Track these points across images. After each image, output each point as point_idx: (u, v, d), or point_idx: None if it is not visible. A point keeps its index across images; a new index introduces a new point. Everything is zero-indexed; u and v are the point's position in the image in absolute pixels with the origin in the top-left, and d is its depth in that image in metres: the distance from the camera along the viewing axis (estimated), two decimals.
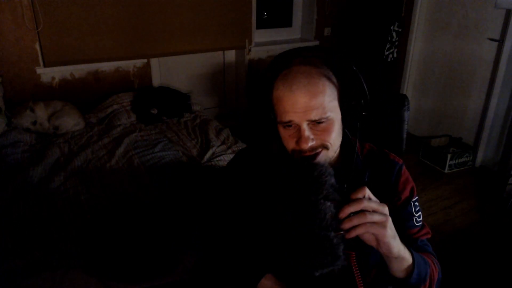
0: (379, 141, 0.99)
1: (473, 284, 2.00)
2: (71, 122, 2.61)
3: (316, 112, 0.79)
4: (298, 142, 0.81)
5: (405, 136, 1.25)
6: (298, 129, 0.81)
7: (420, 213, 0.95)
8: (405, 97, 1.25)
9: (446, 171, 3.08)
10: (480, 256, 2.19)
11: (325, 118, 0.80)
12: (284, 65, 0.84)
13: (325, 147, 0.83)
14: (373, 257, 0.87)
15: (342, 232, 0.69)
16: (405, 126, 1.24)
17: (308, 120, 0.80)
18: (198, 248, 1.47)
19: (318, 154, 0.82)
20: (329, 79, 0.82)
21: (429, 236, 0.96)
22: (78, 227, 1.63)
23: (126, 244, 1.53)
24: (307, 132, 0.80)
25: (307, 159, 0.82)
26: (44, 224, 1.64)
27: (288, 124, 0.82)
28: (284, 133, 0.84)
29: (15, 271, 1.37)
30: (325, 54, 0.85)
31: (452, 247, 2.25)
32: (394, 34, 3.52)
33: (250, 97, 3.67)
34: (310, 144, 0.81)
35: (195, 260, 1.43)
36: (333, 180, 0.73)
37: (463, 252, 2.22)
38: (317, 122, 0.80)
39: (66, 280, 1.32)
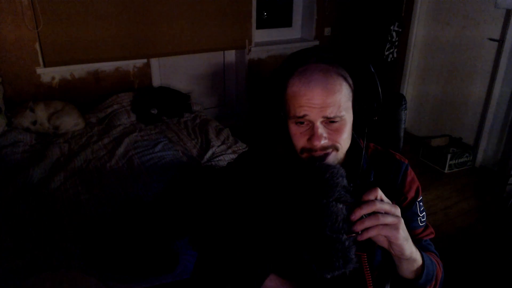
0: (376, 141, 0.99)
1: (473, 284, 2.00)
2: (71, 122, 2.61)
3: (332, 110, 0.78)
4: (310, 139, 0.80)
5: (402, 135, 1.25)
6: (311, 126, 0.80)
7: (424, 213, 0.95)
8: (402, 96, 1.25)
9: (446, 171, 3.08)
10: (480, 256, 2.19)
11: (339, 117, 0.79)
12: (300, 63, 0.83)
13: (336, 148, 0.82)
14: (376, 259, 0.88)
15: (354, 234, 0.68)
16: (403, 126, 1.25)
17: (323, 117, 0.79)
18: (198, 249, 1.47)
19: (328, 154, 0.81)
20: (345, 79, 0.81)
21: (432, 236, 0.96)
22: (78, 227, 1.63)
23: (126, 244, 1.53)
24: (320, 129, 0.79)
25: (317, 160, 0.81)
26: (44, 224, 1.64)
27: (301, 121, 0.81)
28: (296, 130, 0.83)
29: (15, 271, 1.37)
30: (341, 54, 0.84)
31: (452, 247, 2.25)
32: (394, 34, 3.52)
33: (256, 96, 3.66)
34: (323, 142, 0.80)
35: (195, 260, 1.43)
36: (345, 182, 0.72)
37: (463, 252, 2.22)
38: (331, 121, 0.80)
39: (66, 280, 1.32)
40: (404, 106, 1.24)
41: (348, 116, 0.82)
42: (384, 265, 0.85)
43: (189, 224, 1.60)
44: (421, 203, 0.94)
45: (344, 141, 0.83)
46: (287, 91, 0.83)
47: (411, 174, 0.95)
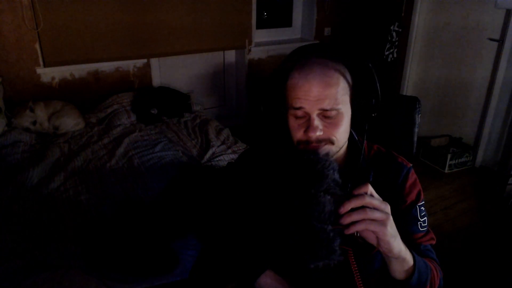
0: (389, 144, 0.97)
1: (473, 284, 2.00)
2: (71, 122, 2.61)
3: (329, 102, 0.80)
4: (306, 131, 0.82)
5: (416, 139, 1.22)
6: (308, 118, 0.83)
7: (425, 218, 0.93)
8: (416, 99, 1.23)
9: (446, 171, 3.08)
10: (480, 256, 2.19)
11: (336, 109, 0.81)
12: (301, 57, 0.86)
13: (331, 142, 0.83)
14: (377, 262, 0.87)
15: (340, 226, 0.69)
16: (416, 130, 1.22)
17: (319, 109, 0.81)
18: (198, 248, 1.47)
19: (321, 147, 0.82)
20: (343, 74, 0.83)
21: (433, 242, 0.94)
22: (78, 227, 1.63)
23: (126, 244, 1.53)
24: (316, 121, 0.81)
25: (311, 152, 0.82)
26: (44, 224, 1.64)
27: (298, 113, 0.83)
28: (294, 122, 0.85)
29: (15, 271, 1.37)
30: (341, 50, 0.87)
31: (452, 247, 2.25)
32: (394, 34, 3.52)
33: (256, 95, 3.66)
34: (318, 133, 0.81)
35: (195, 260, 1.43)
36: (336, 176, 0.73)
37: (463, 252, 2.22)
38: (327, 116, 0.82)
39: (66, 280, 1.32)
40: (418, 109, 1.21)
41: (345, 110, 0.83)
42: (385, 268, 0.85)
43: (191, 223, 1.60)
44: (422, 208, 0.92)
45: (341, 134, 0.84)
46: (287, 84, 0.86)
47: (412, 177, 0.93)
